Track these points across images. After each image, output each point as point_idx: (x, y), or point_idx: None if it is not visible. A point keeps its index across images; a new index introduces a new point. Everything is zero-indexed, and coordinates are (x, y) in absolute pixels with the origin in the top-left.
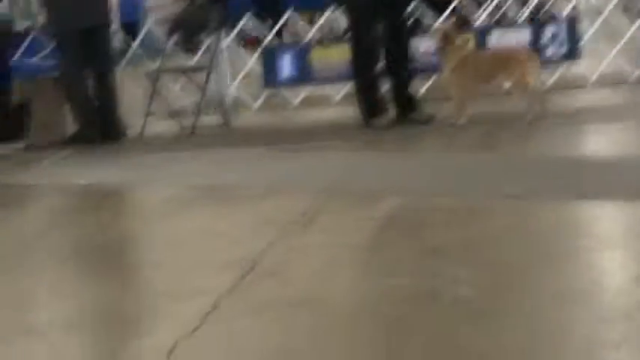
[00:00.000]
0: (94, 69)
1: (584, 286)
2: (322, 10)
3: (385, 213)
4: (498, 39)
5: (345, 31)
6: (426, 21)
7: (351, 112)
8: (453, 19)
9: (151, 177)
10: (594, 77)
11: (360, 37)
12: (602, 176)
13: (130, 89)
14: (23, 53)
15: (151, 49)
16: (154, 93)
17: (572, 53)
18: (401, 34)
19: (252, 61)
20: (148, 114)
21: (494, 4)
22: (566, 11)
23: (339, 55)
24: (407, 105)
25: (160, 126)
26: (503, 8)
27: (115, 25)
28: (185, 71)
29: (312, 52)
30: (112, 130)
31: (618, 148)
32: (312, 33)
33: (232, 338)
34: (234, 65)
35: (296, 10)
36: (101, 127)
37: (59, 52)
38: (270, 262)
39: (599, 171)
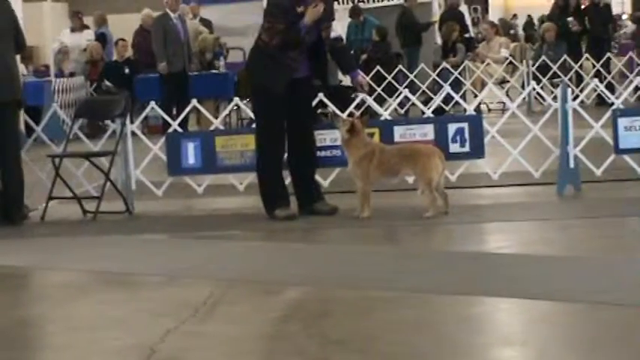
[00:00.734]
0: (2, 146)
1: None
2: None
3: (287, 303)
4: (403, 134)
5: (251, 121)
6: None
7: (254, 201)
8: (359, 112)
9: (51, 261)
10: (497, 175)
11: (264, 128)
12: (503, 273)
13: (33, 172)
14: None
15: (55, 132)
16: (56, 177)
17: (475, 151)
18: (305, 125)
19: (156, 148)
20: (50, 198)
21: (399, 99)
22: (470, 109)
23: (243, 144)
24: (310, 196)
25: (63, 210)
26: (409, 104)
27: None
28: (89, 156)
29: (216, 140)
30: (14, 213)
31: (520, 245)
32: (217, 122)
33: None
34: (138, 151)
35: (201, 99)
36: (3, 209)
37: None
38: (168, 350)
39: (500, 268)
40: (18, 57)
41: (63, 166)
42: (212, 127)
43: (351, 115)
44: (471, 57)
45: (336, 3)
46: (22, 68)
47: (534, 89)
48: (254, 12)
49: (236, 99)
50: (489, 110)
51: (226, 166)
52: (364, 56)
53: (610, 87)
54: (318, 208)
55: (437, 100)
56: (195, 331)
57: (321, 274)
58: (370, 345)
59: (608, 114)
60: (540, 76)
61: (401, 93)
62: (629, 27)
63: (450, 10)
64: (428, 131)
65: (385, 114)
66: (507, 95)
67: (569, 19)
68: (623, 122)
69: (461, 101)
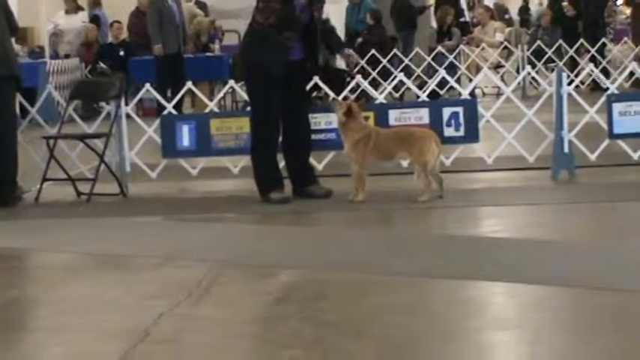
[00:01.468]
0: None
1: None
2: (222, 82)
3: (281, 286)
4: (398, 117)
5: (245, 104)
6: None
7: (249, 184)
8: (354, 96)
9: (45, 243)
10: (491, 160)
11: (259, 111)
12: (497, 257)
13: (28, 154)
14: None
15: (50, 114)
16: (50, 158)
17: (470, 135)
18: (300, 108)
19: (151, 130)
20: (44, 179)
21: (394, 83)
22: (465, 93)
23: (238, 127)
24: (305, 179)
25: (57, 192)
26: (404, 88)
27: None
28: (83, 138)
29: (211, 123)
30: (8, 194)
31: (514, 229)
32: (212, 104)
33: None
34: (133, 134)
35: (196, 82)
36: None
37: None
38: (162, 332)
39: (494, 252)
40: (12, 39)
41: (57, 148)
42: (207, 110)
43: (346, 98)
44: (466, 41)
45: None
46: (17, 49)
47: (529, 74)
48: None
49: (231, 81)
50: (484, 95)
51: (221, 148)
52: (359, 39)
53: (605, 72)
54: (313, 192)
55: (432, 84)
56: (189, 314)
57: (315, 257)
58: (364, 328)
59: (603, 99)
60: (535, 61)
61: (396, 77)
62: (623, 12)
63: None
64: (423, 115)
65: (380, 97)
66: (502, 80)
67: (564, 3)
68: (617, 107)
69: (456, 85)
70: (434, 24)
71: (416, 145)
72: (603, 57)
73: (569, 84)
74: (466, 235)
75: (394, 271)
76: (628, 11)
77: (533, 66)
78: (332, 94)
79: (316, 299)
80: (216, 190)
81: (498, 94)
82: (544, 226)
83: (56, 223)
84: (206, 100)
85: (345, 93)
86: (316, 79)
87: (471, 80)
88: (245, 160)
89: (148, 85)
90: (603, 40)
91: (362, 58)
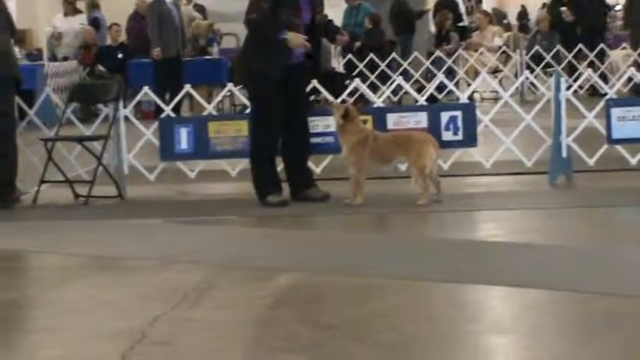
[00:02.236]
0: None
1: None
2: (222, 85)
3: (278, 289)
4: (396, 121)
5: (243, 108)
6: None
7: (247, 187)
8: (352, 99)
9: (43, 245)
10: (489, 164)
11: (260, 114)
12: (495, 261)
13: (26, 156)
14: None
15: (48, 116)
16: (49, 160)
17: (468, 139)
18: (300, 111)
19: (149, 133)
20: (42, 181)
21: (392, 87)
22: (464, 97)
23: (236, 130)
24: (303, 183)
25: (55, 194)
26: (402, 91)
27: None
28: (82, 140)
29: (209, 126)
30: (6, 196)
31: (511, 234)
32: (210, 107)
33: None
34: (131, 136)
35: (194, 85)
36: None
37: None
38: (159, 334)
39: (492, 256)
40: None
41: (55, 150)
42: (205, 113)
43: (344, 102)
44: (465, 46)
45: None
46: (15, 51)
47: (527, 78)
48: None
49: (229, 85)
50: (482, 99)
51: (219, 151)
52: (358, 43)
53: (603, 77)
54: (310, 195)
55: (430, 88)
56: (185, 317)
57: (312, 260)
58: (362, 331)
59: (602, 104)
60: (534, 66)
61: (394, 80)
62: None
63: None
64: (421, 119)
65: (378, 101)
66: (500, 84)
67: (563, 8)
68: (616, 112)
69: (454, 89)
70: (432, 28)
71: (414, 148)
72: (602, 62)
73: (568, 89)
74: (464, 238)
75: (392, 274)
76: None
77: (532, 71)
78: (330, 98)
79: (314, 302)
80: (214, 192)
81: (496, 99)
82: (541, 231)
83: (54, 225)
84: (204, 103)
85: (343, 96)
86: (314, 82)
87: (469, 84)
88: (243, 163)
89: (146, 88)
90: (602, 45)
91: (360, 62)
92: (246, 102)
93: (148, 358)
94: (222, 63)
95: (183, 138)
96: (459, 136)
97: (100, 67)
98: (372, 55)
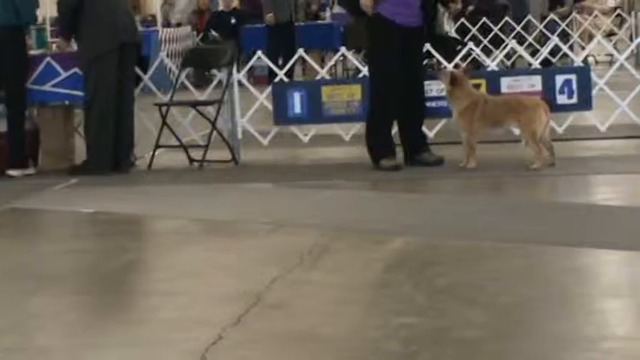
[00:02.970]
0: (121, 92)
1: (587, 333)
2: (334, 50)
3: (392, 252)
4: (510, 85)
5: (356, 72)
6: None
7: (360, 151)
8: (464, 63)
9: (158, 209)
10: (605, 127)
11: (380, 78)
12: (610, 225)
13: (141, 121)
14: (35, 79)
15: (162, 81)
16: (163, 125)
17: (583, 102)
18: (417, 75)
19: (262, 98)
20: (157, 146)
21: (505, 51)
22: (578, 60)
23: (349, 94)
24: (417, 147)
25: (169, 159)
26: (515, 55)
27: None
28: (196, 105)
29: (322, 90)
30: (123, 161)
31: (627, 197)
32: (323, 72)
33: None
34: (244, 101)
35: (307, 49)
36: (114, 157)
37: (89, 77)
38: (275, 296)
39: (607, 220)
40: None
41: (170, 115)
42: (318, 77)
43: (457, 66)
44: (578, 9)
45: None
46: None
47: None
48: None
49: (342, 49)
50: (597, 63)
51: (332, 116)
52: (470, 7)
53: None
54: (424, 159)
55: (544, 52)
56: (301, 279)
57: (426, 223)
58: (477, 294)
59: None
60: None
61: (508, 44)
62: None
63: None
64: (535, 82)
65: (492, 65)
66: (615, 47)
67: None
68: None
69: (569, 52)
70: None
71: (524, 113)
72: None
73: None
74: (579, 202)
75: (506, 237)
76: None
77: None
78: (444, 62)
79: (428, 265)
80: (327, 157)
81: (611, 62)
82: None
83: (168, 190)
84: (317, 68)
85: (456, 61)
86: (428, 46)
87: (583, 48)
88: (356, 128)
89: (259, 53)
90: None
91: (473, 26)
92: (360, 66)
93: (264, 320)
94: (334, 27)
95: (297, 102)
96: (574, 100)
97: (214, 33)
98: (484, 19)
